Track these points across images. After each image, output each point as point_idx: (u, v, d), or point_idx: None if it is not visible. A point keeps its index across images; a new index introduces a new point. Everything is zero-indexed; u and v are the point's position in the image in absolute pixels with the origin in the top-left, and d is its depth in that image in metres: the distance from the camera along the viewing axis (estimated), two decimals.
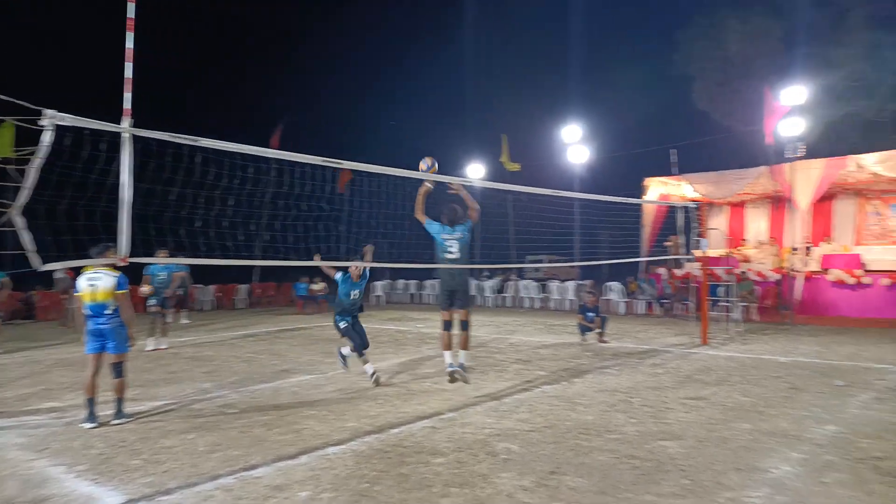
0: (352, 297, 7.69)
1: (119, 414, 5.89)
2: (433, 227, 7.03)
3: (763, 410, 6.08)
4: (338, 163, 6.94)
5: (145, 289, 10.76)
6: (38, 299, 17.59)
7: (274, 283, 23.44)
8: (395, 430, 5.54)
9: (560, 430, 5.46)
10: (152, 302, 10.85)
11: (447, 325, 7.00)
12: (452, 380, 6.92)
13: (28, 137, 4.04)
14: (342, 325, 7.70)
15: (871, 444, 4.95)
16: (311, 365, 9.15)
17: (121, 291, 5.84)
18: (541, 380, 7.87)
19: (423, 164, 6.96)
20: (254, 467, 4.60)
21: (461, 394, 7.03)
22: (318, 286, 19.34)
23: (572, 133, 19.73)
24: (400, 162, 6.51)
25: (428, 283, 23.79)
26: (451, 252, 6.88)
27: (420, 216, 7.04)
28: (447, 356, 6.98)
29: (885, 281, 14.71)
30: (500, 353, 10.15)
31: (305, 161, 6.32)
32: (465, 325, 6.95)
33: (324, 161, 6.71)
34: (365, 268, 7.65)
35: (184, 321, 15.77)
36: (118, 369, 5.89)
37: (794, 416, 5.86)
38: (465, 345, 6.98)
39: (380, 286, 23.30)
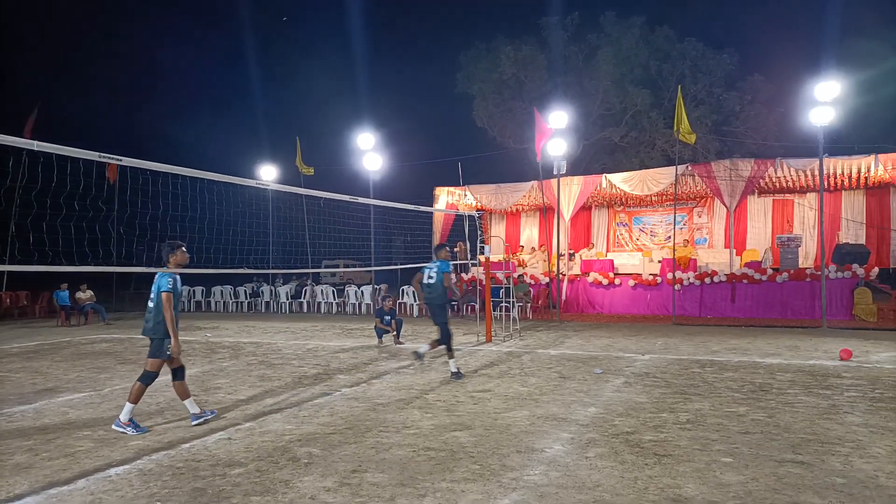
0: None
1: None
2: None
3: (538, 398, 6.85)
4: (117, 159, 6.38)
5: None
6: None
7: (27, 292, 20.37)
8: (187, 445, 5.25)
9: (360, 430, 5.62)
10: None
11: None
12: None
13: None
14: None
15: (623, 421, 5.86)
16: (82, 382, 8.21)
17: None
18: (340, 383, 7.96)
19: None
20: (19, 497, 4.06)
21: (258, 402, 6.87)
22: (86, 294, 17.25)
23: (366, 140, 20.07)
24: (190, 161, 6.20)
25: (216, 288, 22.51)
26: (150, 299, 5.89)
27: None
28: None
29: (631, 282, 17.29)
30: (297, 360, 10.03)
31: (81, 157, 5.72)
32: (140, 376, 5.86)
33: (101, 157, 6.13)
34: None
35: None
36: None
37: (564, 401, 6.70)
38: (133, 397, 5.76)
39: None
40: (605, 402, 6.65)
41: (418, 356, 8.44)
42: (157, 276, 5.89)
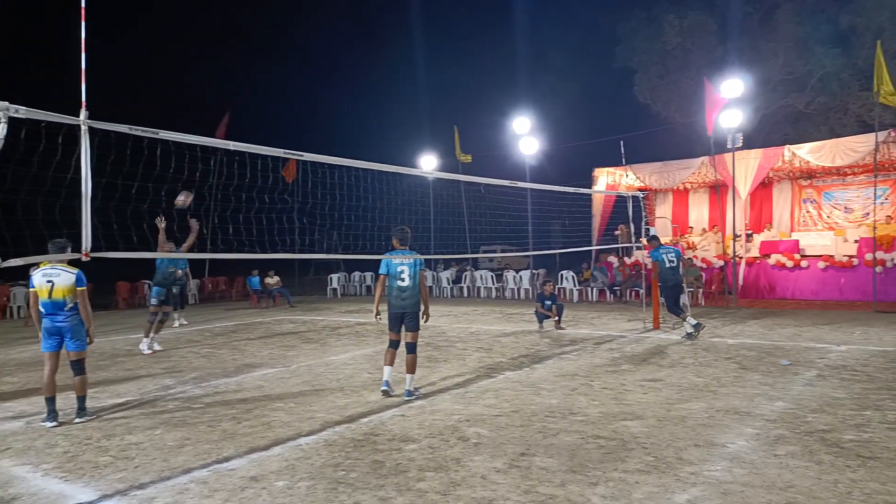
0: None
1: (81, 412, 5.76)
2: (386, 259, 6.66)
3: (716, 390, 6.40)
4: (299, 155, 6.93)
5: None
6: None
7: (225, 278, 22.98)
8: (366, 420, 5.60)
9: (526, 414, 5.63)
10: (154, 302, 9.88)
11: (394, 344, 6.66)
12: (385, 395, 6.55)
13: None
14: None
15: (817, 417, 5.29)
16: (273, 359, 9.09)
17: (80, 288, 5.69)
18: (503, 367, 8.05)
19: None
20: (227, 459, 4.59)
21: (427, 382, 7.14)
22: (273, 280, 19.07)
23: (522, 124, 19.97)
24: (359, 154, 6.56)
25: None
26: (402, 278, 6.49)
27: None
28: (386, 371, 6.62)
29: (822, 265, 15.56)
30: (461, 343, 10.29)
31: (268, 153, 6.27)
32: (411, 348, 6.54)
33: (286, 153, 6.68)
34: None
35: (182, 322, 14.01)
36: (78, 367, 5.74)
37: (745, 394, 6.19)
38: (411, 368, 6.51)
39: (335, 279, 23.15)
40: (795, 396, 6.05)
41: (694, 326, 9.90)
42: (407, 258, 6.52)
